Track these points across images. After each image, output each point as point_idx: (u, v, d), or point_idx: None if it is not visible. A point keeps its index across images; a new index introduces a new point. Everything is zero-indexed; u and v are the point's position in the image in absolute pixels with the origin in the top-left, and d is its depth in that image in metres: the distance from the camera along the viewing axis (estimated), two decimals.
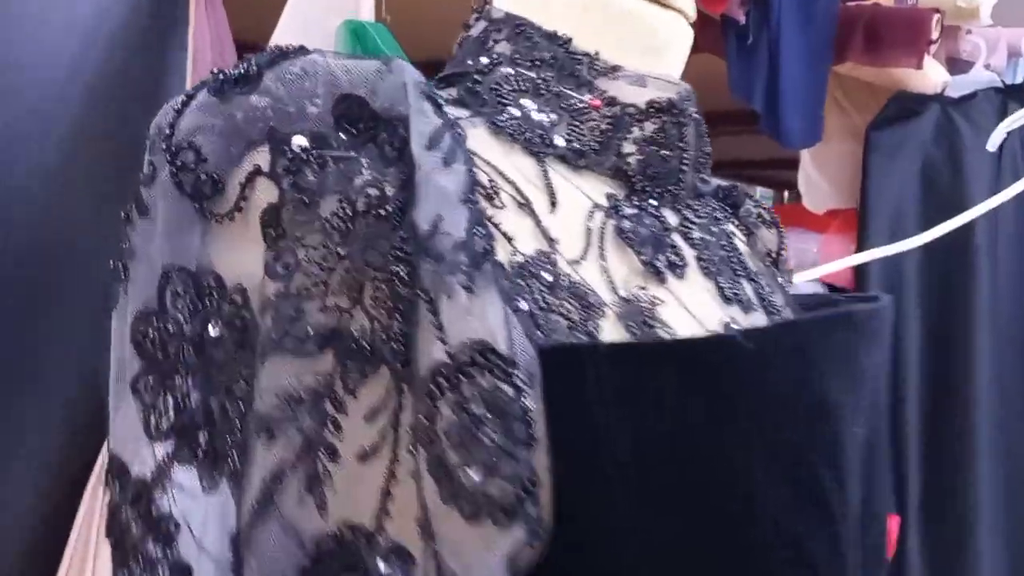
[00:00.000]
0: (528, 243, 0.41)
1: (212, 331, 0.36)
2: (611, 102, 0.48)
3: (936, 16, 1.55)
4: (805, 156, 1.84)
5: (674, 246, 0.47)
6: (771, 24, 1.43)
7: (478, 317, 0.33)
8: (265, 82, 0.37)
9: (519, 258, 0.39)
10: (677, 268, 0.46)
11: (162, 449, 0.37)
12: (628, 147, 0.48)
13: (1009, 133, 1.70)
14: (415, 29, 0.98)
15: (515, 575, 0.32)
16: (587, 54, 0.49)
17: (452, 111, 0.44)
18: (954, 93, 1.75)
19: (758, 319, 0.48)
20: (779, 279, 0.55)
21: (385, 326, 0.35)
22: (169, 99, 0.39)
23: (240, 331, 0.36)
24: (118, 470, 0.38)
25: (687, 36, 0.52)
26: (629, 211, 0.46)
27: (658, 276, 0.44)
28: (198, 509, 0.37)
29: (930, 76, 1.68)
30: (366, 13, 0.89)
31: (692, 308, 0.44)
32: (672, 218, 0.48)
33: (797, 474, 0.38)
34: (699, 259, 0.48)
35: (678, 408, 0.35)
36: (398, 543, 0.34)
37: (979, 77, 1.78)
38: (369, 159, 0.36)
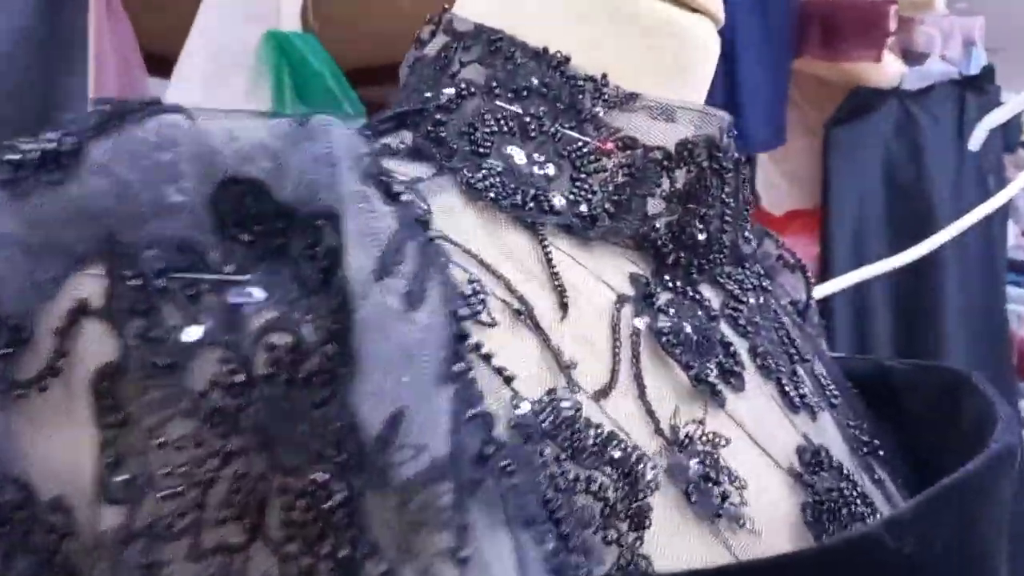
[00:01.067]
0: (534, 380, 0.28)
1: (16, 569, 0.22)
2: (629, 144, 0.35)
3: (894, 8, 1.50)
4: (762, 156, 1.78)
5: (725, 342, 0.34)
6: (726, 22, 1.36)
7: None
8: (92, 158, 0.24)
9: (522, 410, 0.27)
10: (734, 377, 0.34)
11: None
12: (655, 206, 0.35)
13: (968, 123, 1.66)
14: (347, 36, 0.88)
15: None
16: (591, 78, 0.36)
17: (407, 168, 0.32)
18: (911, 86, 1.71)
19: (826, 423, 0.37)
20: (815, 339, 0.44)
21: (305, 570, 0.22)
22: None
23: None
24: None
25: (715, 48, 0.40)
26: (664, 299, 0.34)
27: (714, 395, 0.32)
28: None
29: (887, 69, 1.63)
30: (289, 22, 0.79)
31: (759, 437, 0.33)
32: (714, 298, 0.36)
33: None
34: (754, 353, 0.36)
35: None
36: None
37: (935, 69, 1.74)
38: (274, 284, 0.23)
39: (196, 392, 0.23)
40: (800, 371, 0.38)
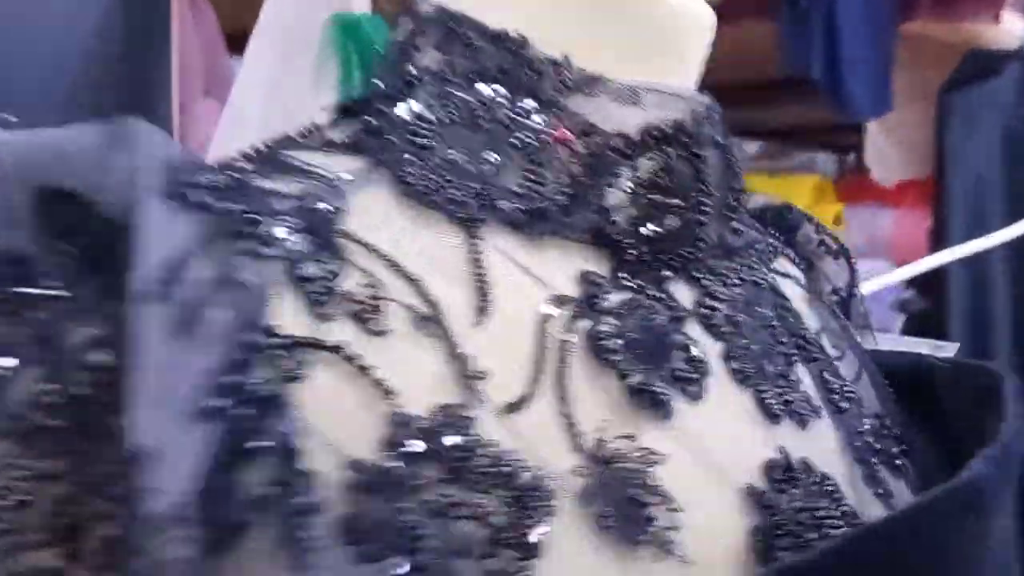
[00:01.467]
0: (426, 394, 0.27)
1: None
2: (587, 131, 0.33)
3: None
4: (872, 124, 1.69)
5: (686, 347, 0.32)
6: None
7: None
8: None
9: (399, 430, 0.26)
10: (691, 384, 0.31)
11: None
12: (615, 198, 0.33)
13: None
14: None
15: None
16: (552, 60, 0.34)
17: (338, 163, 0.32)
18: None
19: (821, 432, 0.34)
20: (848, 330, 0.41)
21: None
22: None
23: None
24: None
25: (707, 22, 0.37)
26: (614, 299, 0.31)
27: (656, 407, 0.30)
28: None
29: (1008, 30, 1.52)
30: (359, 4, 0.79)
31: (715, 451, 0.30)
32: (686, 296, 0.34)
33: None
34: (729, 357, 0.33)
35: None
36: None
37: None
38: (96, 299, 0.23)
39: (13, 411, 0.22)
40: (796, 373, 0.35)
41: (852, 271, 0.44)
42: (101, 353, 0.23)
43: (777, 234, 0.43)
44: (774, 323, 0.36)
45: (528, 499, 0.26)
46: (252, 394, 0.23)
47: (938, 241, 1.59)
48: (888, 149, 1.74)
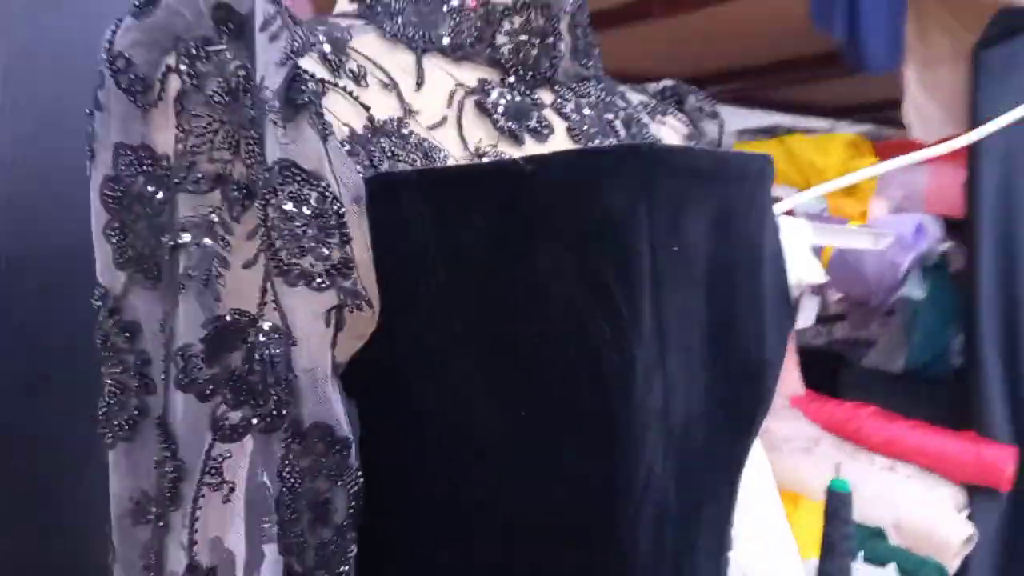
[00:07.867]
0: (385, 112, 0.51)
1: (148, 188, 0.45)
2: (485, 2, 0.56)
3: None
4: (912, 85, 1.76)
5: (541, 117, 0.56)
6: None
7: (289, 143, 0.43)
8: (164, 1, 0.45)
9: (377, 122, 0.50)
10: (539, 134, 0.55)
11: (124, 274, 0.46)
12: (501, 39, 0.57)
13: None
14: None
15: (337, 328, 0.44)
16: None
17: (349, 21, 0.55)
18: None
19: None
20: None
21: (257, 171, 0.43)
22: None
23: (165, 188, 0.45)
24: (101, 294, 0.46)
25: None
26: (498, 90, 0.56)
27: (514, 139, 0.54)
28: (153, 313, 0.45)
29: None
30: None
31: None
32: (547, 97, 0.58)
33: (592, 282, 0.45)
34: (570, 129, 0.58)
35: (470, 222, 0.44)
36: (274, 323, 0.43)
37: None
38: (238, 50, 0.44)
39: (207, 95, 0.44)
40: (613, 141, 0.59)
41: (720, 127, 0.69)
42: (242, 71, 0.43)
43: (674, 103, 0.69)
44: (606, 121, 0.60)
45: (434, 160, 0.50)
46: (306, 80, 0.46)
47: (972, 194, 1.66)
48: (930, 108, 1.80)
